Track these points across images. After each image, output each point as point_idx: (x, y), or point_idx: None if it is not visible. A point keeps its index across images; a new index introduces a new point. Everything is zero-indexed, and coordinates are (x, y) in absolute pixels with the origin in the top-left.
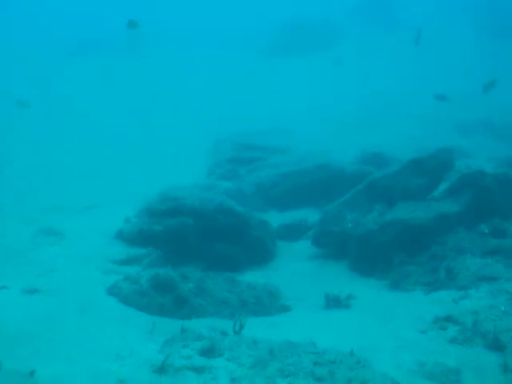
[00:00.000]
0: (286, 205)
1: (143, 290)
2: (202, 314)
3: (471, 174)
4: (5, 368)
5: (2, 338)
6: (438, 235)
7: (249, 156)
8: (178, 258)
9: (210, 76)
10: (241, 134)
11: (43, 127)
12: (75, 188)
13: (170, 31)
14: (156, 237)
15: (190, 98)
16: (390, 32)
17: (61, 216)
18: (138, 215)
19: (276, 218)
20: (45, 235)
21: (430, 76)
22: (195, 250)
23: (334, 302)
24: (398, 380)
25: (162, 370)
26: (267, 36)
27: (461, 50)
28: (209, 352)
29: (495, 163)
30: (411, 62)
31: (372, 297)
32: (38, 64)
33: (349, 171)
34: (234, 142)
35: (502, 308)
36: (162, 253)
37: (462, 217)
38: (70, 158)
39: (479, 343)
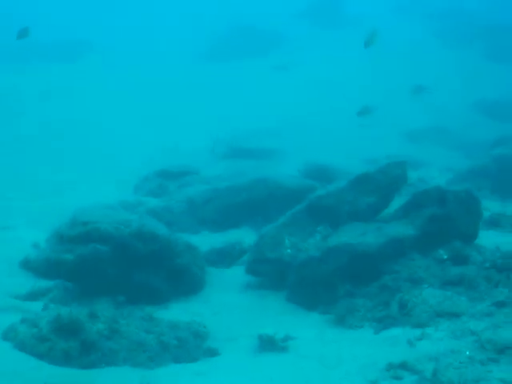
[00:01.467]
0: (220, 224)
1: (43, 334)
2: (113, 361)
3: (428, 192)
4: None
5: None
6: (389, 263)
7: (180, 170)
8: (92, 291)
9: (146, 84)
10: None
11: None
12: None
13: (107, 37)
14: (66, 267)
15: (126, 107)
16: (339, 34)
17: None
18: (48, 240)
19: (208, 240)
20: None
21: (379, 79)
22: (112, 281)
23: (268, 345)
24: None
25: None
26: (207, 41)
27: (415, 53)
28: None
29: (450, 175)
30: (359, 64)
31: (313, 336)
32: None
33: (289, 186)
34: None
35: (467, 353)
36: (73, 285)
37: (418, 241)
38: None
39: None
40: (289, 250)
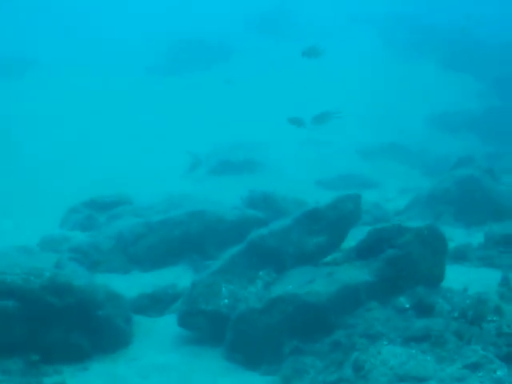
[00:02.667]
0: (154, 262)
1: None
2: None
3: (385, 230)
4: None
5: None
6: (342, 315)
7: (111, 199)
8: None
9: (91, 100)
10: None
11: None
12: None
13: (53, 53)
14: None
15: (70, 125)
16: (290, 45)
17: None
18: None
19: (139, 281)
20: None
21: (330, 92)
22: (23, 339)
23: None
24: None
25: None
26: (155, 54)
27: (366, 65)
28: None
29: (408, 197)
30: (311, 77)
31: None
32: None
33: (230, 219)
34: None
35: None
36: None
37: (375, 288)
38: None
39: None
40: (226, 301)
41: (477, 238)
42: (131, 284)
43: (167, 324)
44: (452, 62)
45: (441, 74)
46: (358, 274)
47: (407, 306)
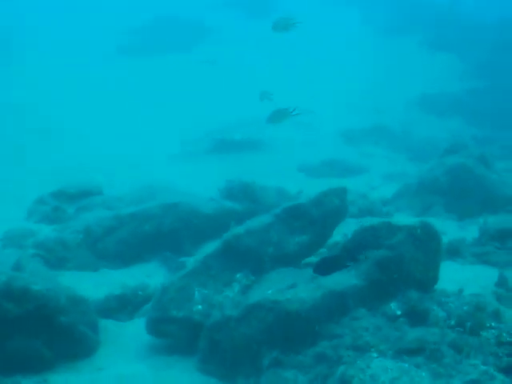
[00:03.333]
0: (124, 259)
1: None
2: None
3: (374, 229)
4: None
5: None
6: (328, 324)
7: (79, 190)
8: None
9: (57, 82)
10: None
11: None
12: None
13: (21, 33)
14: None
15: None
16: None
17: None
18: None
19: (108, 280)
20: None
21: (311, 73)
22: None
23: None
24: None
25: None
26: (128, 34)
27: (346, 44)
28: None
29: (394, 185)
30: (291, 58)
31: None
32: None
33: (206, 212)
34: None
35: None
36: None
37: (364, 293)
38: None
39: None
40: (199, 307)
41: (470, 231)
42: (99, 283)
43: (137, 329)
44: (436, 42)
45: (424, 53)
46: (344, 278)
47: (399, 313)
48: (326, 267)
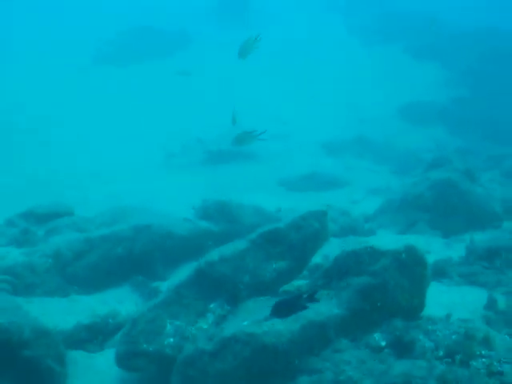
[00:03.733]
0: (95, 284)
1: None
2: None
3: (357, 254)
4: None
5: None
6: (308, 357)
7: (50, 210)
8: None
9: (36, 93)
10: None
11: None
12: None
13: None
14: None
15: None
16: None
17: None
18: None
19: (77, 307)
20: None
21: (292, 83)
22: None
23: None
24: None
25: None
26: (105, 44)
27: (329, 52)
28: None
29: (377, 199)
30: (270, 68)
31: None
32: None
33: (180, 234)
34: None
35: None
36: None
37: (345, 323)
38: None
39: None
40: (171, 339)
41: (457, 249)
42: (68, 311)
43: (107, 361)
44: (420, 50)
45: (408, 62)
46: (325, 307)
47: (383, 344)
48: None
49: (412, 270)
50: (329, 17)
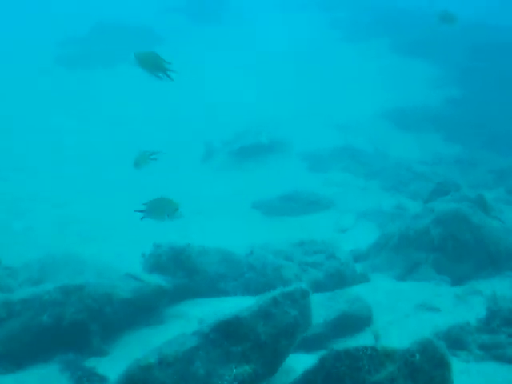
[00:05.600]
0: (16, 360)
1: None
2: None
3: (353, 357)
4: None
5: None
6: None
7: None
8: None
9: None
10: None
11: None
12: None
13: None
14: None
15: None
16: (222, 31)
17: None
18: None
19: None
20: None
21: (267, 85)
22: None
23: None
24: None
25: None
26: (68, 44)
27: (309, 50)
28: None
29: (370, 225)
30: (246, 69)
31: None
32: None
33: (122, 296)
34: None
35: None
36: None
37: None
38: None
39: None
40: None
41: (473, 305)
42: None
43: None
44: (408, 46)
45: (396, 59)
46: None
47: None
48: None
49: (430, 376)
50: (310, 13)
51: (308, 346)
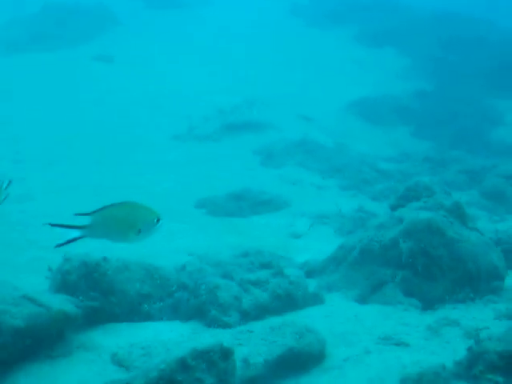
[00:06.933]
0: None
1: None
2: None
3: None
4: None
5: None
6: None
7: None
8: None
9: None
10: None
11: None
12: None
13: None
14: None
15: None
16: (183, 15)
17: None
18: None
19: None
20: None
21: (228, 72)
22: None
23: None
24: None
25: None
26: (14, 26)
27: (268, 38)
28: None
29: (328, 230)
30: (206, 56)
31: None
32: None
33: (14, 324)
34: None
35: None
36: None
37: None
38: None
39: None
40: None
41: (448, 338)
42: None
43: None
44: (374, 35)
45: (361, 48)
46: None
47: None
48: None
49: None
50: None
51: None
